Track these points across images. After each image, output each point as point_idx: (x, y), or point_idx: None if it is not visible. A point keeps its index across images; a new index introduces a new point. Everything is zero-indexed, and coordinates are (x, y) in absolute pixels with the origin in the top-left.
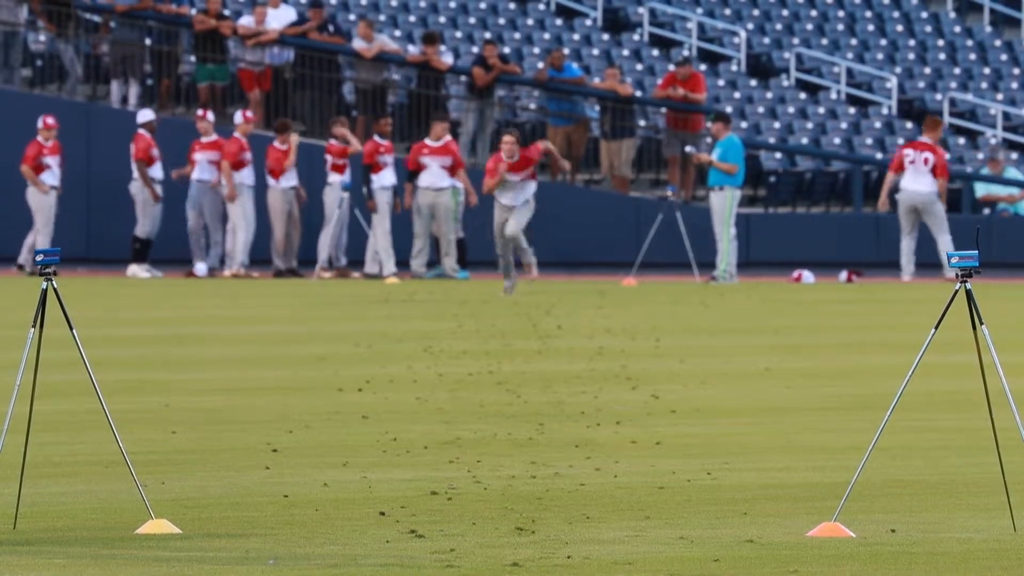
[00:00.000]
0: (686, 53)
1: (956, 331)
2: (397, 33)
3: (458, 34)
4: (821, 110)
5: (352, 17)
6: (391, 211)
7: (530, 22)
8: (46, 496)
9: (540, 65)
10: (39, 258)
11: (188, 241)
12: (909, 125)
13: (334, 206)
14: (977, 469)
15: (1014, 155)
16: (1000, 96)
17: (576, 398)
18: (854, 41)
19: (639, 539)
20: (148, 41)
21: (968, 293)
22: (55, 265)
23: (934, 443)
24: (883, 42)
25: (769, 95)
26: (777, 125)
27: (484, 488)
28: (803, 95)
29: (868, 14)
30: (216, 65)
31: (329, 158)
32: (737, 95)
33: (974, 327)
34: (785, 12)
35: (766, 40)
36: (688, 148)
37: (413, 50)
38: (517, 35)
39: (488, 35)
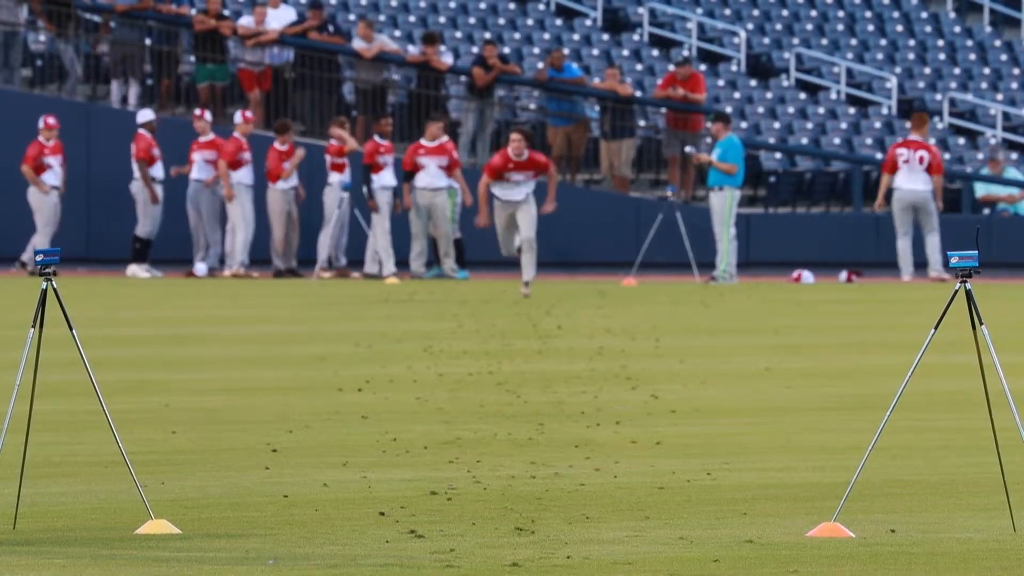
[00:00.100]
0: (686, 53)
1: (956, 331)
2: (397, 33)
3: (458, 34)
4: (821, 110)
5: (352, 17)
6: (391, 211)
7: (530, 22)
8: (46, 496)
9: (540, 65)
10: (39, 258)
11: (188, 241)
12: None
13: (333, 206)
14: (977, 469)
15: (1014, 155)
16: (1000, 96)
17: (576, 398)
18: (854, 41)
19: (639, 539)
20: (148, 41)
21: (968, 293)
22: (55, 265)
23: (934, 443)
24: (883, 42)
25: (769, 95)
26: (777, 125)
27: (484, 488)
28: (803, 95)
29: (868, 14)
30: (216, 65)
31: (328, 158)
32: (737, 95)
33: (974, 327)
34: (785, 12)
35: (766, 40)
36: (688, 148)
37: (413, 50)
38: (517, 35)
39: (488, 35)
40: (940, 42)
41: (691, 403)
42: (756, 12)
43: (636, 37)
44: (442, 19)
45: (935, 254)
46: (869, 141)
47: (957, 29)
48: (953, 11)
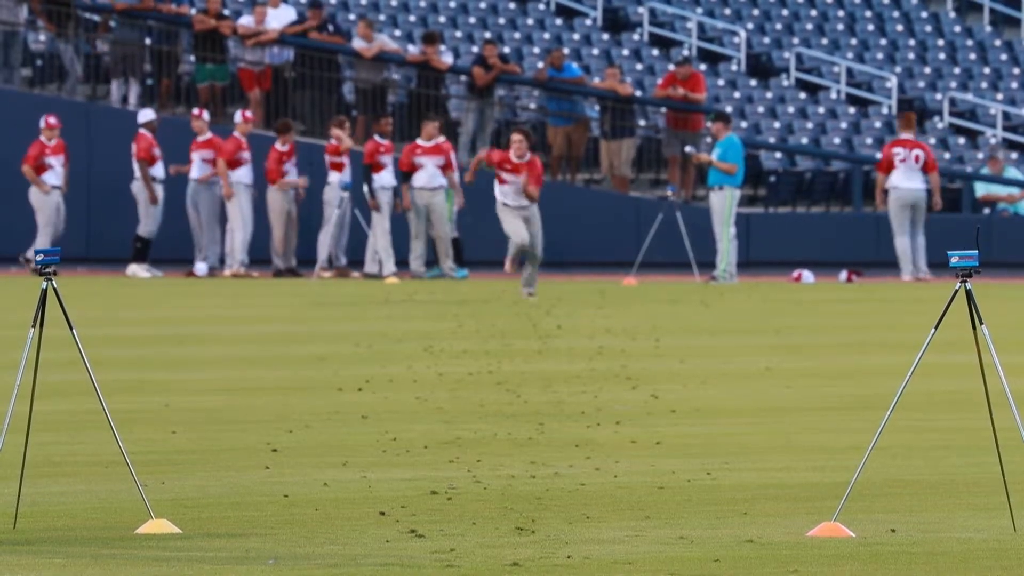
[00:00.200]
0: (686, 53)
1: (956, 331)
2: (397, 33)
3: (458, 34)
4: (821, 110)
5: (352, 17)
6: (391, 211)
7: (530, 22)
8: (46, 496)
9: (540, 65)
10: (39, 258)
11: (188, 241)
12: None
13: (333, 205)
14: (977, 469)
15: (1014, 155)
16: (1000, 96)
17: (576, 398)
18: (854, 41)
19: (639, 539)
20: (148, 41)
21: (968, 293)
22: (55, 265)
23: (934, 443)
24: (883, 42)
25: (769, 95)
26: (777, 125)
27: (484, 488)
28: (803, 95)
29: (868, 14)
30: (216, 65)
31: (328, 157)
32: (737, 95)
33: (974, 327)
34: (785, 12)
35: (766, 40)
36: (688, 148)
37: (413, 50)
38: (517, 35)
39: (488, 35)
40: (940, 42)
41: (691, 403)
42: (756, 12)
43: (636, 37)
44: (442, 19)
45: (922, 254)
46: (869, 141)
47: (957, 29)
48: (953, 11)
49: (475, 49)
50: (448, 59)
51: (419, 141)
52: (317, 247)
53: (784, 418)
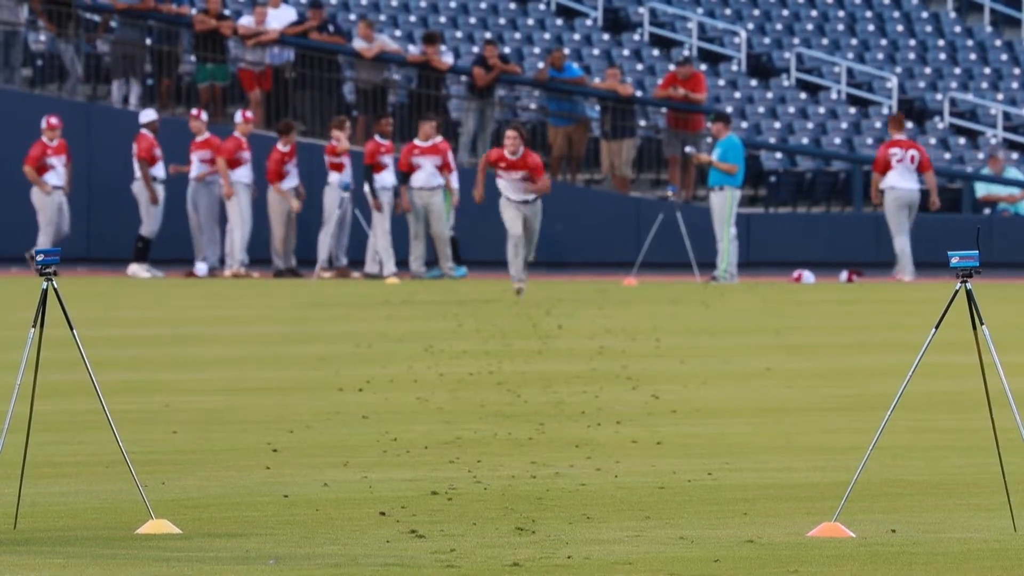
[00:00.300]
0: (686, 53)
1: (956, 331)
2: (397, 33)
3: (458, 34)
4: (821, 110)
5: (352, 17)
6: (391, 211)
7: (530, 22)
8: (46, 496)
9: (540, 65)
10: (39, 258)
11: (188, 241)
12: (910, 125)
13: (333, 206)
14: (977, 469)
15: (1014, 155)
16: (1000, 96)
17: (576, 398)
18: (854, 41)
19: (639, 539)
20: (148, 41)
21: (968, 293)
22: (55, 265)
23: (934, 443)
24: (883, 42)
25: (769, 95)
26: (777, 125)
27: (484, 488)
28: (803, 95)
29: (868, 14)
30: (216, 65)
31: (328, 158)
32: (737, 95)
33: (974, 327)
34: (785, 12)
35: (766, 40)
36: (688, 148)
37: (413, 50)
38: (517, 35)
39: (488, 35)
40: (940, 42)
41: (692, 403)
42: (756, 12)
43: (636, 37)
44: (442, 19)
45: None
46: (869, 141)
47: (957, 29)
48: (953, 11)
49: (475, 49)
50: (448, 59)
51: (416, 141)
52: (317, 247)
53: (784, 418)
